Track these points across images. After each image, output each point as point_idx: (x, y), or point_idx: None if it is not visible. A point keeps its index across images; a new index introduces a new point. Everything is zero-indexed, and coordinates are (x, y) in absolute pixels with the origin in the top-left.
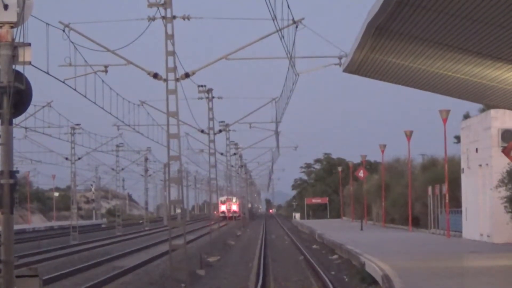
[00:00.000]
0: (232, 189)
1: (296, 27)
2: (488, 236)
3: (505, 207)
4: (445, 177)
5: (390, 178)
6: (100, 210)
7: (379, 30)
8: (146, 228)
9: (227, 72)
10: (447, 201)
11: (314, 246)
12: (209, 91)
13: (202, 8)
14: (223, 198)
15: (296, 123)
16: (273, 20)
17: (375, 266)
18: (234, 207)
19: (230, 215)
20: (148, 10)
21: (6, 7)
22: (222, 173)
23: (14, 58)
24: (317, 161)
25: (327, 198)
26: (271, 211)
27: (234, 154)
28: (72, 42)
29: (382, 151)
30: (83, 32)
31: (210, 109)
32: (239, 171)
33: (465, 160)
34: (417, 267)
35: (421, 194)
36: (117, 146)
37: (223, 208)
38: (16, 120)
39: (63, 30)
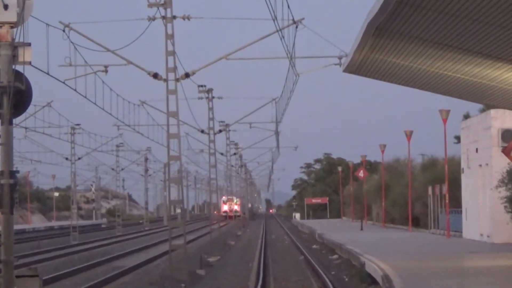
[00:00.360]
0: (232, 189)
1: (296, 27)
2: (488, 236)
3: (505, 207)
4: (445, 177)
5: (390, 178)
6: (100, 210)
7: (379, 30)
8: (146, 228)
9: (227, 72)
10: (447, 201)
11: (314, 246)
12: (209, 91)
13: (202, 8)
14: (225, 199)
15: (296, 123)
16: (273, 20)
17: (375, 266)
18: (236, 207)
19: (232, 214)
20: (148, 10)
21: (6, 7)
22: (222, 173)
23: (14, 58)
24: (317, 161)
25: (327, 198)
26: (271, 211)
27: (234, 154)
28: (72, 42)
29: (382, 151)
30: (83, 32)
31: (210, 109)
32: (239, 171)
33: (465, 160)
34: (417, 267)
35: (421, 194)
36: (117, 146)
37: (225, 207)
38: (16, 120)
39: (63, 30)
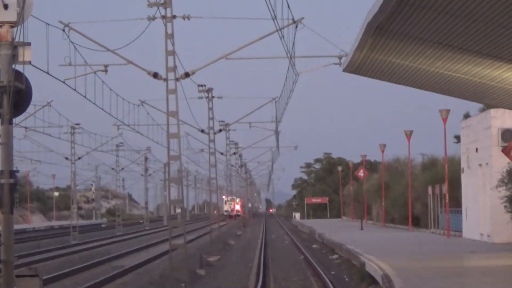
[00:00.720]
0: (232, 189)
1: (296, 26)
2: (488, 236)
3: (505, 206)
4: (445, 177)
5: (390, 178)
6: (100, 209)
7: (379, 29)
8: (146, 228)
9: (227, 72)
10: (447, 201)
11: (314, 246)
12: (209, 90)
13: (202, 8)
14: (227, 199)
15: (296, 123)
16: (273, 19)
17: (375, 265)
18: (237, 207)
19: (234, 213)
20: (148, 10)
21: (6, 6)
22: (222, 173)
23: (14, 57)
24: (317, 160)
25: (327, 198)
26: (271, 210)
27: (234, 153)
28: (72, 42)
29: (382, 151)
30: (83, 32)
31: (210, 109)
32: (239, 170)
33: (465, 160)
34: (417, 266)
35: (421, 194)
36: (117, 145)
37: (227, 207)
38: (16, 120)
39: (63, 30)
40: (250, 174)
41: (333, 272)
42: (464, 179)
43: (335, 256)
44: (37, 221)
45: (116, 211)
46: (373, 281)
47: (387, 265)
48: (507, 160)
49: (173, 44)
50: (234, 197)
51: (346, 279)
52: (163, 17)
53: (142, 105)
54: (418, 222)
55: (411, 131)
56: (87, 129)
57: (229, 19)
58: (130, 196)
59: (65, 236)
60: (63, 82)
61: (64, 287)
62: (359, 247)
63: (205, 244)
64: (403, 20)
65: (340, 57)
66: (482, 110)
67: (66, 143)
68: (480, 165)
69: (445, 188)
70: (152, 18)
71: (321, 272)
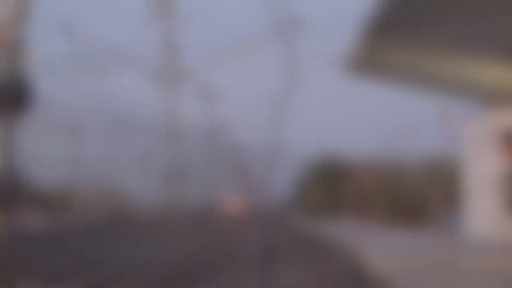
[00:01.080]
0: (232, 189)
1: (296, 26)
2: (488, 236)
3: (505, 207)
4: (445, 177)
5: (390, 178)
6: (100, 209)
7: (379, 29)
8: (146, 228)
9: (227, 71)
10: (447, 201)
11: (314, 246)
12: (210, 89)
13: (202, 7)
14: (227, 199)
15: (296, 123)
16: (273, 19)
17: (375, 265)
18: (237, 207)
19: (234, 214)
20: (149, 9)
21: (6, 6)
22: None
23: (14, 57)
24: (317, 160)
25: (327, 198)
26: (271, 210)
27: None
28: (72, 41)
29: (382, 151)
30: (83, 30)
31: (211, 108)
32: (239, 169)
33: (465, 160)
34: (417, 266)
35: (421, 194)
36: (117, 145)
37: (229, 207)
38: (16, 120)
39: (63, 29)
40: (251, 174)
41: (333, 272)
42: (464, 179)
43: (335, 256)
44: (37, 221)
45: (116, 212)
46: (373, 281)
47: (387, 265)
48: (507, 160)
49: (173, 44)
50: (235, 197)
51: (346, 279)
52: (164, 16)
53: (142, 104)
54: (418, 222)
55: (411, 131)
56: (87, 129)
57: (229, 18)
58: (130, 196)
59: (65, 236)
60: (63, 81)
61: (64, 287)
62: (359, 247)
63: (205, 244)
64: (404, 20)
65: (340, 57)
66: (482, 110)
67: (66, 143)
68: (480, 165)
69: (445, 188)
70: (152, 18)
71: (321, 272)
